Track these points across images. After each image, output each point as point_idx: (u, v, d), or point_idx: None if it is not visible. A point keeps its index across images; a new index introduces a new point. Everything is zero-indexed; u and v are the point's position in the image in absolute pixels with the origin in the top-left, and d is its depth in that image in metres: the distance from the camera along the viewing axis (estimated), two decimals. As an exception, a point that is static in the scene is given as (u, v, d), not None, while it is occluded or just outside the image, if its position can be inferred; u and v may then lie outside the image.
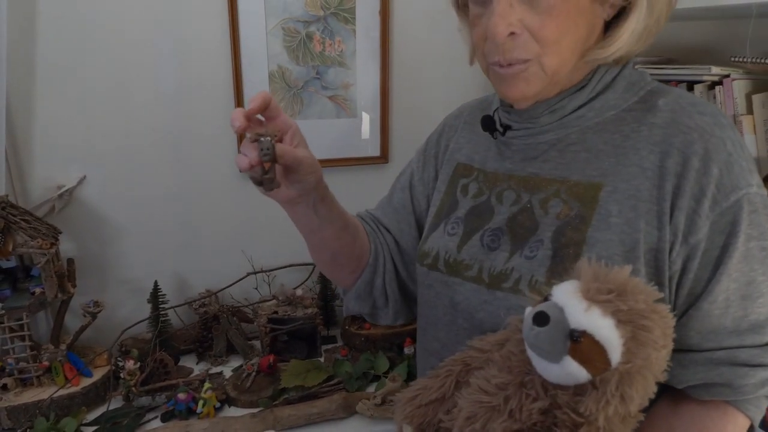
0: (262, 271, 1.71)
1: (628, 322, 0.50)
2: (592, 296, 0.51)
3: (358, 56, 1.67)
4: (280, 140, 0.69)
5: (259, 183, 0.64)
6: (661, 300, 0.53)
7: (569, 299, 0.52)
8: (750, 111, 1.13)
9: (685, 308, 0.63)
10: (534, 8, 0.63)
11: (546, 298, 0.55)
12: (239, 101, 1.59)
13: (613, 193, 0.65)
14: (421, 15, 1.72)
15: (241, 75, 1.58)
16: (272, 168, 0.64)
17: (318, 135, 1.68)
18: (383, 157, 1.79)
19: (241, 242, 1.72)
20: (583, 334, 0.50)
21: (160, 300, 1.58)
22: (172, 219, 1.64)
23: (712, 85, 1.18)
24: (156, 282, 1.58)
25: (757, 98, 1.12)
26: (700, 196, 0.61)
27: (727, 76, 1.15)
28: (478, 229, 0.76)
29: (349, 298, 0.91)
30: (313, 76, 1.65)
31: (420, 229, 0.91)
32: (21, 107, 1.44)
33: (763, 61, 1.05)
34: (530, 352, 0.55)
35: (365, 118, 1.74)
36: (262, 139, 0.63)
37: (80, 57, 1.46)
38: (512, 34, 0.64)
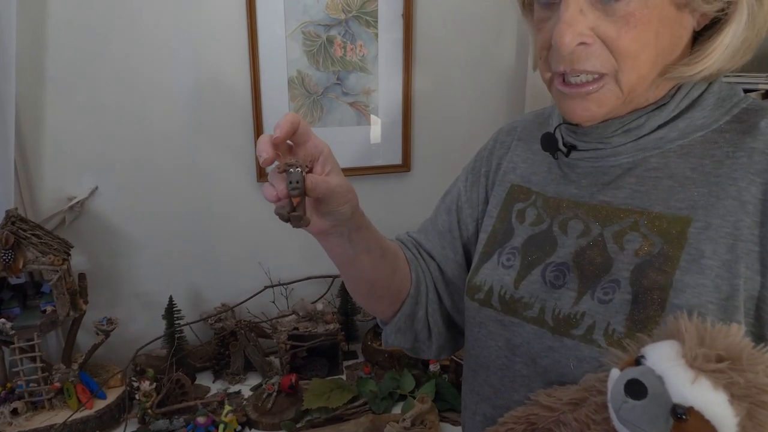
0: (279, 284, 1.65)
1: (745, 397, 0.43)
2: (699, 364, 0.44)
3: (380, 61, 1.60)
4: (311, 169, 0.61)
5: (286, 220, 0.58)
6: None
7: (671, 367, 0.45)
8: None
9: None
10: (609, 15, 0.55)
11: (637, 361, 0.48)
12: (257, 109, 1.52)
13: (705, 230, 0.57)
14: (444, 17, 1.65)
15: (260, 81, 1.51)
16: (302, 203, 0.57)
17: (338, 143, 1.61)
18: (405, 166, 1.72)
19: (257, 254, 1.66)
20: (690, 410, 0.43)
21: (176, 315, 1.52)
22: (187, 230, 1.58)
23: (766, 95, 1.11)
24: (171, 297, 1.52)
25: (817, 111, 1.05)
26: None
27: (784, 85, 1.08)
28: (539, 263, 0.67)
29: (388, 332, 0.83)
30: (334, 81, 1.58)
31: (467, 256, 0.83)
32: (31, 116, 1.38)
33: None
34: (620, 427, 0.47)
35: (387, 125, 1.67)
36: (292, 170, 0.57)
37: (92, 63, 1.39)
38: (582, 44, 0.56)
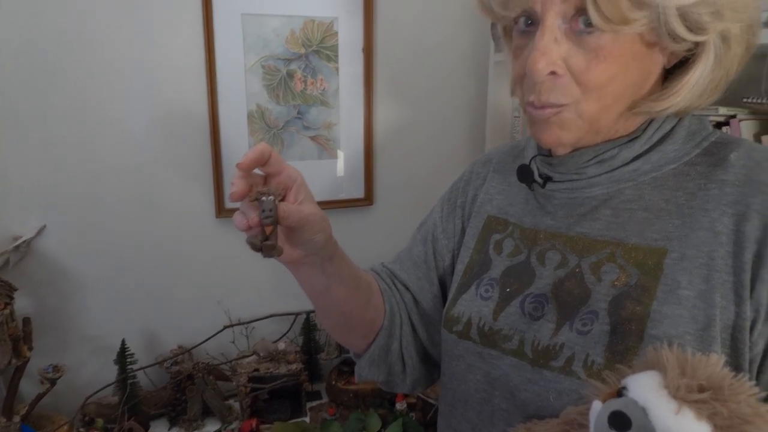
0: (240, 324, 1.59)
1: (728, 427, 0.42)
2: (682, 395, 0.43)
3: (342, 95, 1.60)
4: (284, 198, 0.60)
5: (258, 249, 0.56)
6: (765, 401, 0.44)
7: (653, 398, 0.43)
8: (760, 153, 1.09)
9: None
10: (581, 47, 0.55)
11: (619, 393, 0.46)
12: (216, 143, 1.49)
13: (680, 261, 0.57)
14: (405, 51, 1.67)
15: (218, 115, 1.48)
16: (274, 232, 0.56)
17: (299, 177, 1.59)
18: (368, 199, 1.70)
19: (216, 292, 1.60)
20: (675, 442, 0.42)
21: (128, 360, 1.44)
22: (142, 269, 1.51)
23: (719, 125, 1.14)
24: (123, 340, 1.44)
25: (767, 139, 1.09)
26: None
27: (734, 116, 1.12)
28: (518, 294, 0.66)
29: (362, 365, 0.80)
30: (295, 115, 1.56)
31: (443, 287, 0.82)
32: (-27, 152, 1.31)
33: (777, 102, 1.01)
34: (604, 461, 0.45)
35: (349, 159, 1.66)
36: (264, 198, 0.55)
37: (42, 95, 1.34)
38: (553, 73, 0.56)
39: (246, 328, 1.61)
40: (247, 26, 1.46)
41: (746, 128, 1.10)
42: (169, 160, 1.48)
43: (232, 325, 1.57)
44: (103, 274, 1.47)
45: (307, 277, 0.68)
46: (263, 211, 0.55)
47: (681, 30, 0.54)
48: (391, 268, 0.84)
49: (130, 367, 1.44)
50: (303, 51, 1.53)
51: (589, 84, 0.56)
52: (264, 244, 0.56)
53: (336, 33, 1.55)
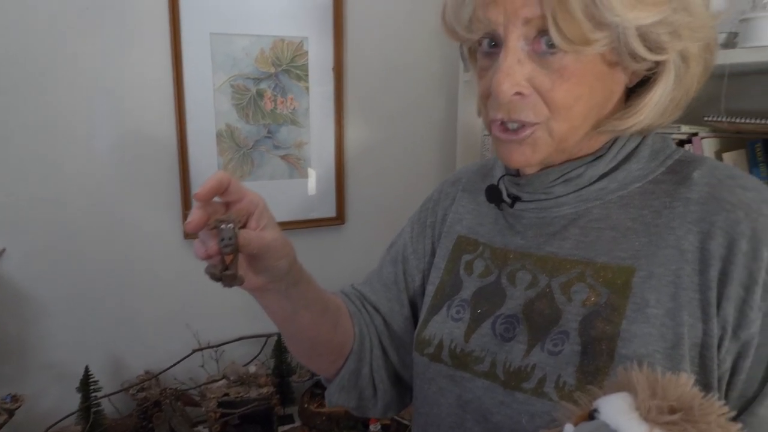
0: (209, 347, 1.55)
1: (699, 448, 0.42)
2: (653, 417, 0.42)
3: (312, 114, 1.59)
4: (245, 224, 0.58)
5: (218, 279, 0.54)
6: (734, 420, 0.44)
7: (625, 420, 0.43)
8: (722, 170, 1.12)
9: (737, 413, 0.55)
10: (545, 67, 0.56)
11: (591, 415, 0.46)
12: (184, 163, 1.46)
13: (648, 279, 0.57)
14: (375, 70, 1.67)
15: (186, 134, 1.46)
16: (234, 261, 0.54)
17: (270, 196, 1.53)
18: (339, 218, 1.69)
19: (185, 315, 1.56)
20: (647, 465, 0.41)
21: (92, 387, 1.39)
22: (106, 293, 1.47)
23: (681, 143, 1.17)
24: (87, 367, 1.39)
25: (728, 156, 1.11)
26: (750, 283, 0.54)
27: (696, 134, 1.14)
28: (489, 315, 0.66)
29: (332, 390, 0.78)
30: (264, 134, 1.55)
31: (414, 309, 0.81)
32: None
33: (737, 120, 1.04)
34: (576, 485, 0.45)
35: (320, 178, 1.64)
36: (223, 227, 0.54)
37: (3, 115, 1.30)
38: (519, 94, 0.57)
39: (215, 352, 1.58)
40: (215, 45, 1.45)
41: (708, 146, 1.13)
42: (136, 180, 1.45)
43: (201, 349, 1.54)
44: (65, 298, 1.42)
45: (272, 304, 0.66)
46: (222, 239, 0.53)
47: (641, 50, 0.55)
48: (361, 290, 0.82)
49: (94, 394, 1.39)
50: (273, 70, 1.52)
51: (556, 104, 0.57)
52: (224, 273, 0.54)
53: (306, 52, 1.55)
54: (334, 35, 1.57)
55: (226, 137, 1.51)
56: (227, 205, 0.59)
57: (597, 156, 0.63)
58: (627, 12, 0.51)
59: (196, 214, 0.54)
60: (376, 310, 0.80)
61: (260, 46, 1.49)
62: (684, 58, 0.58)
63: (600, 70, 0.56)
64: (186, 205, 1.48)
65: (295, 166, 1.61)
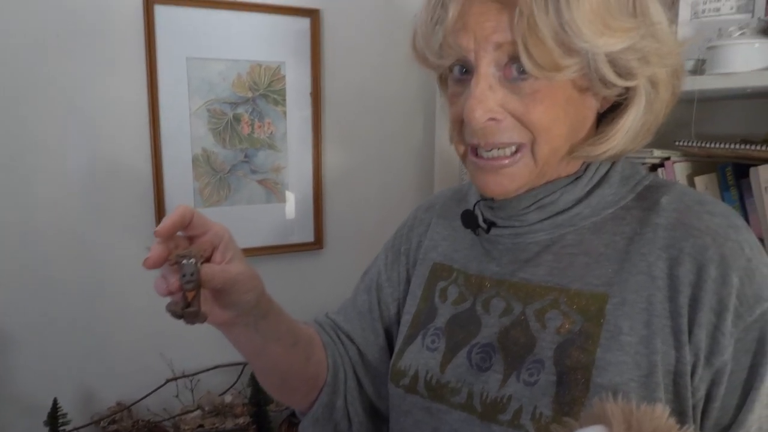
0: (184, 376, 1.51)
1: (676, 480, 0.41)
2: (629, 449, 0.42)
3: (290, 138, 1.59)
4: (209, 258, 0.57)
5: (179, 317, 0.52)
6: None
7: (601, 453, 0.42)
8: (694, 193, 1.14)
9: None
10: (516, 93, 0.56)
11: (569, 447, 0.45)
12: (159, 187, 1.44)
13: (621, 306, 0.57)
14: (353, 95, 1.68)
15: (161, 158, 1.44)
16: (196, 298, 0.52)
17: (247, 221, 1.56)
18: (318, 243, 1.68)
19: (159, 343, 1.52)
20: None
21: (60, 420, 1.34)
22: (76, 321, 1.43)
23: (654, 167, 1.18)
24: (55, 399, 1.34)
25: (699, 180, 1.13)
26: (720, 309, 0.54)
27: (668, 158, 1.16)
28: (464, 344, 0.65)
29: (305, 424, 0.76)
30: (241, 159, 1.54)
31: (389, 338, 0.79)
32: None
33: (706, 145, 1.06)
34: None
35: (298, 202, 1.63)
36: (185, 262, 0.52)
37: (-31, 142, 1.27)
38: (493, 119, 0.57)
39: (190, 381, 1.53)
40: (192, 70, 1.44)
41: (680, 170, 1.15)
42: (109, 205, 1.42)
43: (175, 378, 1.50)
44: (33, 327, 1.38)
45: (240, 338, 0.64)
46: (184, 275, 0.51)
47: (611, 76, 0.55)
48: (335, 319, 0.81)
49: (62, 428, 1.34)
50: (250, 95, 1.52)
51: (535, 125, 0.57)
52: (186, 311, 0.51)
53: (283, 77, 1.55)
54: (312, 60, 1.58)
55: (203, 162, 1.49)
56: (191, 239, 0.57)
57: (572, 179, 0.63)
58: (596, 38, 0.52)
59: (155, 250, 0.52)
60: (351, 340, 0.79)
61: (237, 71, 1.49)
62: (653, 83, 0.59)
63: (571, 95, 0.57)
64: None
65: (273, 190, 1.59)
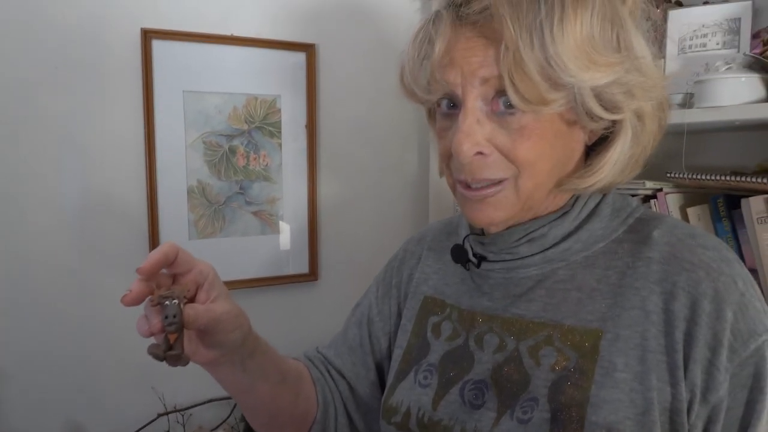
0: (175, 411, 1.49)
1: None
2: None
3: (285, 170, 1.60)
4: (193, 297, 0.57)
5: (161, 359, 0.52)
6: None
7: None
8: (686, 224, 1.14)
9: None
10: (504, 127, 0.57)
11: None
12: (153, 219, 1.44)
13: (615, 342, 0.56)
14: (348, 127, 1.69)
15: (157, 190, 1.44)
16: (179, 340, 0.52)
17: (241, 253, 1.55)
18: (312, 275, 1.67)
19: (150, 377, 1.50)
20: None
21: (48, 457, 1.31)
22: (67, 355, 1.41)
23: (647, 199, 1.19)
24: (43, 435, 1.32)
25: (692, 211, 1.14)
26: (715, 344, 0.53)
27: (660, 189, 1.17)
28: (457, 381, 0.64)
29: None
30: (237, 191, 1.54)
31: (380, 373, 0.78)
32: None
33: (697, 177, 1.07)
34: None
35: (293, 234, 1.63)
36: (167, 303, 0.52)
37: (-35, 174, 1.28)
38: (480, 153, 0.57)
39: (182, 415, 1.51)
40: (188, 103, 1.46)
41: (672, 201, 1.16)
42: (103, 237, 1.42)
43: (167, 413, 1.47)
44: (22, 361, 1.36)
45: (226, 377, 0.64)
46: (166, 317, 0.51)
47: (597, 109, 0.56)
48: (325, 354, 0.80)
49: (49, 465, 1.31)
50: (246, 127, 1.53)
51: (519, 161, 0.57)
52: (167, 354, 0.51)
53: (279, 110, 1.57)
54: (307, 93, 1.60)
55: (198, 193, 1.50)
56: (175, 277, 0.57)
57: (561, 214, 0.63)
58: (582, 73, 0.53)
59: (135, 288, 0.53)
60: (341, 375, 0.78)
61: (233, 104, 1.51)
62: (639, 116, 0.59)
63: (559, 129, 0.58)
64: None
65: (268, 222, 1.59)
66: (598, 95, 0.56)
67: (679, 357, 0.54)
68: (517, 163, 0.58)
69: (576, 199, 0.64)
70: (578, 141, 0.61)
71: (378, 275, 0.85)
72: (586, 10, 0.53)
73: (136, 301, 0.53)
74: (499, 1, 0.53)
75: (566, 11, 0.52)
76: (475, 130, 0.56)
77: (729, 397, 0.53)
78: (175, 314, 0.51)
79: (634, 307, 0.57)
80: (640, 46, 0.57)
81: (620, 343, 0.56)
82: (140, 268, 0.53)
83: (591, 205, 0.64)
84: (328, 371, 0.78)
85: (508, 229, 0.64)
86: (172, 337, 0.51)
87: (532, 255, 0.64)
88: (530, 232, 0.63)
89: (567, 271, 0.63)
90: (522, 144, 0.57)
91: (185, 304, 0.53)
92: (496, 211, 0.60)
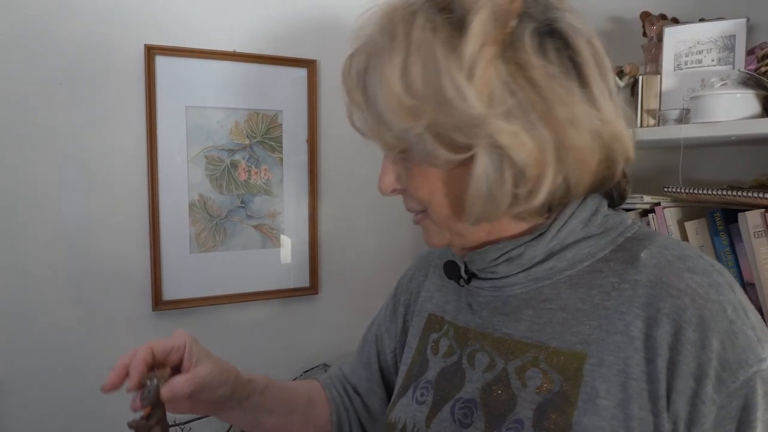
0: (175, 425, 1.48)
1: None
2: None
3: (286, 184, 1.61)
4: (179, 368, 0.66)
5: (132, 428, 0.62)
6: None
7: None
8: (685, 238, 1.15)
9: None
10: (406, 169, 0.62)
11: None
12: (155, 233, 1.45)
13: (598, 367, 0.55)
14: (349, 142, 1.70)
15: (158, 204, 1.46)
16: (154, 413, 0.62)
17: (242, 267, 1.56)
18: (313, 288, 1.67)
19: (151, 391, 1.49)
20: None
21: (47, 472, 1.31)
22: (67, 369, 1.41)
23: (645, 213, 1.20)
24: (43, 450, 1.32)
25: (690, 225, 1.15)
26: (700, 375, 0.51)
27: (658, 204, 1.18)
28: (449, 398, 0.64)
29: None
30: (238, 204, 1.55)
31: (389, 389, 0.79)
32: None
33: (694, 191, 1.08)
34: None
35: (294, 248, 1.64)
36: (148, 383, 0.63)
37: (-31, 188, 1.29)
38: (395, 190, 0.63)
39: (182, 429, 1.50)
40: (190, 118, 1.47)
41: (670, 215, 1.17)
42: (104, 251, 1.43)
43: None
44: (22, 375, 1.36)
45: (231, 419, 0.70)
46: (143, 394, 0.62)
47: (440, 152, 0.55)
48: (344, 371, 0.84)
49: (48, 479, 1.31)
50: (247, 142, 1.55)
51: (418, 199, 0.62)
52: (138, 423, 0.61)
53: (280, 125, 1.58)
54: (308, 108, 1.61)
55: (199, 207, 1.51)
56: (162, 363, 0.67)
57: (536, 235, 0.61)
58: (399, 123, 0.55)
59: (110, 378, 0.64)
60: (356, 391, 0.80)
61: (235, 119, 1.52)
62: (497, 145, 0.53)
63: (444, 167, 0.57)
64: (156, 277, 1.45)
65: (269, 236, 1.60)
66: (437, 137, 0.54)
67: (662, 387, 0.52)
68: (417, 200, 0.62)
69: (554, 219, 0.61)
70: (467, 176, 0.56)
71: (391, 291, 0.86)
72: (398, 58, 0.54)
73: (112, 390, 0.64)
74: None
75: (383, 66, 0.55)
76: (389, 170, 0.63)
77: (715, 429, 0.51)
78: (149, 391, 0.62)
79: (618, 332, 0.55)
80: (450, 85, 0.52)
81: (603, 369, 0.54)
82: (103, 387, 0.64)
83: (574, 225, 0.61)
84: (345, 389, 0.80)
85: (484, 247, 0.63)
86: (145, 411, 0.62)
87: (515, 274, 0.63)
88: (505, 252, 0.62)
89: (551, 290, 0.61)
90: (413, 184, 0.61)
91: (165, 381, 0.63)
92: (432, 236, 0.65)
